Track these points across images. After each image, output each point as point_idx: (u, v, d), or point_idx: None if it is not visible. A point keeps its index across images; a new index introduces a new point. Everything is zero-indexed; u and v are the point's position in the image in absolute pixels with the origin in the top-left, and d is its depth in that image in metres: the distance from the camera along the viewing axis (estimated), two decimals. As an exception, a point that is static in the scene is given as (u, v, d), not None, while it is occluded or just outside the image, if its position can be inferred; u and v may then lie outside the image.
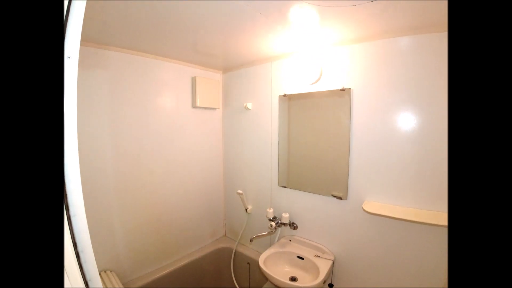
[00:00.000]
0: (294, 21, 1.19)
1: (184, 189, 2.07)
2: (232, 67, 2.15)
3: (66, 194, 0.48)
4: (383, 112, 1.36)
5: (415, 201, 1.29)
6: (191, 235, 2.16)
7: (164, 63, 1.84)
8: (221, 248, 2.30)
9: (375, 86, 1.37)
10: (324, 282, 1.49)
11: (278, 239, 1.87)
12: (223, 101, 2.31)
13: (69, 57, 0.48)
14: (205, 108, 2.15)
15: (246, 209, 2.15)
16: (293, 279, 1.57)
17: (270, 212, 1.85)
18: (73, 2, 0.48)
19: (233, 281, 2.09)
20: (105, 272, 1.57)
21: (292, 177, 1.84)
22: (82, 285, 0.51)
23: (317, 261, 1.55)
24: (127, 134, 1.66)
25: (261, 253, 1.64)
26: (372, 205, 1.38)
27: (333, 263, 1.60)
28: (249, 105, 2.03)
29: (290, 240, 1.80)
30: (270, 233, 1.85)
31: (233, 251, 2.20)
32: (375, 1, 0.96)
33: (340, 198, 1.55)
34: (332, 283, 1.65)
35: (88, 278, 0.52)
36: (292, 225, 1.81)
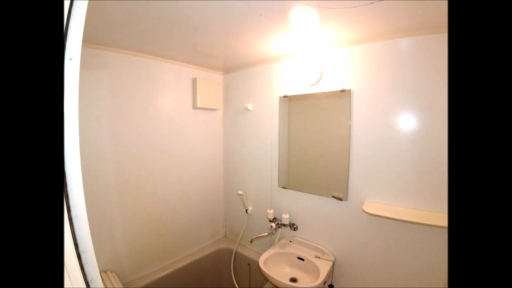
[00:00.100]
0: (294, 23, 1.19)
1: (185, 190, 2.08)
2: (233, 68, 2.15)
3: (67, 195, 0.48)
4: (383, 113, 1.36)
5: (415, 202, 1.29)
6: (191, 236, 2.17)
7: (165, 64, 1.84)
8: (221, 249, 2.30)
9: (375, 87, 1.38)
10: (324, 283, 1.49)
11: (278, 240, 1.87)
12: (223, 102, 2.31)
13: (70, 59, 0.49)
14: (205, 109, 2.16)
15: (246, 210, 2.15)
16: (293, 280, 1.57)
17: (270, 213, 1.85)
18: (74, 3, 0.48)
19: (233, 282, 2.08)
20: (105, 272, 1.57)
21: (292, 178, 1.84)
22: (83, 285, 0.51)
23: (317, 262, 1.55)
24: (128, 135, 1.67)
25: (261, 254, 1.64)
26: (372, 206, 1.38)
27: (333, 264, 1.60)
28: (250, 106, 2.04)
29: (290, 241, 1.80)
30: (270, 234, 1.85)
31: (233, 252, 2.20)
32: (375, 3, 0.96)
33: (340, 199, 1.55)
34: (332, 284, 1.65)
35: (89, 278, 0.53)
36: (292, 226, 1.81)
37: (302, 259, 1.63)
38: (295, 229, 1.80)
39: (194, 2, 0.99)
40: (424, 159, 1.25)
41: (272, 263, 1.61)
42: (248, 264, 2.11)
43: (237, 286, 2.06)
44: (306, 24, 1.21)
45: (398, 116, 1.32)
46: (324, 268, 1.49)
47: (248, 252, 2.16)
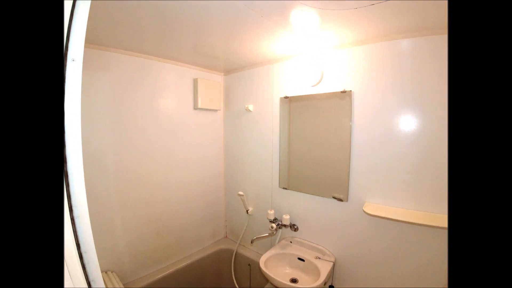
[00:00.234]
0: (295, 24, 1.20)
1: (185, 190, 2.08)
2: (234, 69, 2.16)
3: (70, 195, 0.49)
4: (383, 114, 1.36)
5: (416, 203, 1.29)
6: (191, 236, 2.17)
7: (166, 64, 1.85)
8: (222, 250, 2.30)
9: (375, 88, 1.38)
10: (325, 283, 1.49)
11: (279, 241, 1.87)
12: (224, 102, 2.32)
13: (73, 60, 0.49)
14: (206, 109, 2.16)
15: (247, 211, 2.15)
16: (294, 280, 1.57)
17: (271, 214, 1.86)
18: (77, 4, 0.49)
19: (233, 282, 2.09)
20: (106, 273, 1.58)
21: (293, 178, 1.84)
22: (85, 285, 0.51)
23: (318, 263, 1.55)
24: (129, 135, 1.67)
25: (261, 255, 1.64)
26: (373, 207, 1.38)
27: (334, 264, 1.60)
28: (251, 107, 2.04)
29: (291, 242, 1.80)
30: (271, 234, 1.85)
31: (234, 253, 2.20)
32: (376, 4, 0.96)
33: (341, 200, 1.55)
34: (333, 284, 1.65)
35: (91, 278, 0.53)
36: (293, 227, 1.81)
37: (303, 260, 1.63)
38: (296, 229, 1.80)
39: (195, 3, 0.99)
40: (425, 160, 1.25)
41: (273, 264, 1.61)
42: (249, 264, 2.11)
43: (237, 287, 2.06)
44: (307, 25, 1.21)
45: (398, 117, 1.32)
46: (324, 268, 1.49)
47: (248, 252, 2.16)
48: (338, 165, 1.56)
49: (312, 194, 1.71)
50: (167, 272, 1.90)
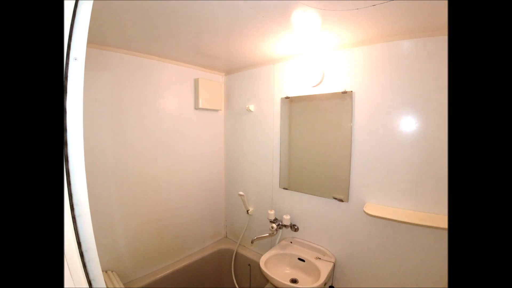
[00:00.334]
0: (296, 25, 1.20)
1: (186, 190, 2.08)
2: (235, 69, 2.16)
3: (71, 194, 0.49)
4: (384, 115, 1.36)
5: (416, 203, 1.29)
6: (192, 236, 2.17)
7: (167, 64, 1.85)
8: (222, 250, 2.30)
9: (376, 89, 1.38)
10: (325, 284, 1.49)
11: (279, 241, 1.87)
12: (225, 102, 2.32)
13: (75, 59, 0.49)
14: (207, 109, 2.16)
15: (247, 211, 2.15)
16: (294, 281, 1.57)
17: (271, 214, 1.86)
18: (79, 3, 0.49)
19: (233, 282, 2.08)
20: (106, 272, 1.58)
21: (294, 179, 1.84)
22: (86, 284, 0.52)
23: (318, 263, 1.55)
24: (129, 135, 1.68)
25: (262, 255, 1.64)
26: (373, 208, 1.38)
27: (334, 265, 1.59)
28: (251, 107, 2.04)
29: (291, 242, 1.80)
30: (271, 235, 1.85)
31: (234, 253, 2.20)
32: (377, 5, 0.96)
33: (342, 200, 1.55)
34: (333, 285, 1.64)
35: (91, 277, 0.53)
36: (293, 227, 1.81)
37: (303, 260, 1.63)
38: (296, 230, 1.80)
39: (197, 3, 0.99)
40: (425, 160, 1.25)
41: (273, 264, 1.61)
42: (249, 264, 2.11)
43: (237, 287, 2.06)
44: (308, 26, 1.22)
45: (399, 117, 1.32)
46: (324, 269, 1.49)
47: (248, 252, 2.16)
48: (339, 166, 1.56)
49: (312, 195, 1.71)
50: (167, 271, 1.90)
